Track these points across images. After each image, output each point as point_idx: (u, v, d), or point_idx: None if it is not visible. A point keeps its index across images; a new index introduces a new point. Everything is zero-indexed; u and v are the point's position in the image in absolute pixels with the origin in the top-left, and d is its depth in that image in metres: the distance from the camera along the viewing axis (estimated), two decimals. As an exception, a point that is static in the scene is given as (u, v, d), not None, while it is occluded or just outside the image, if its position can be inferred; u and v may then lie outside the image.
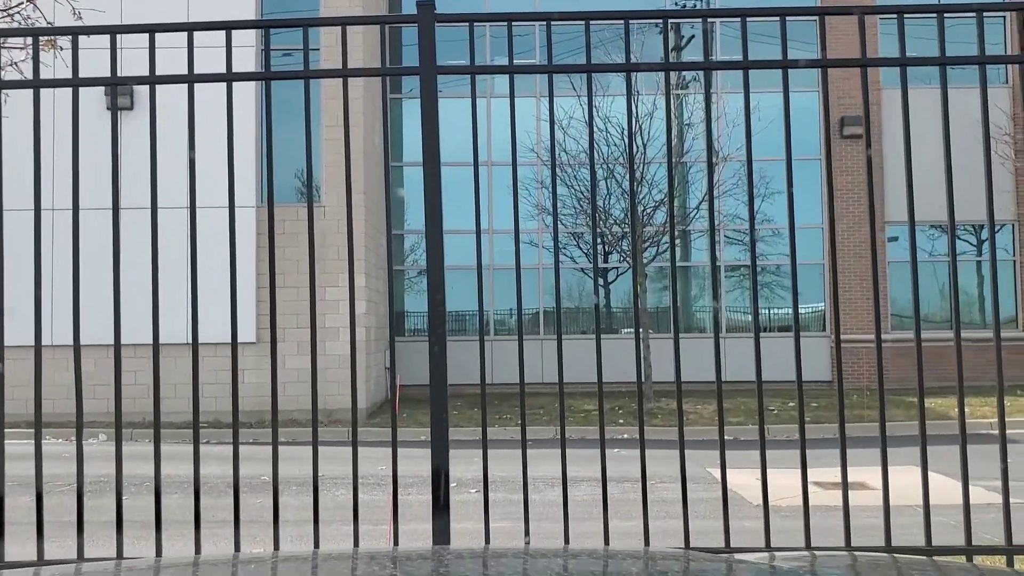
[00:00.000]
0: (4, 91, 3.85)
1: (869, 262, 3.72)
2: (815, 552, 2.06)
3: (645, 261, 17.18)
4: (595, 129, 16.19)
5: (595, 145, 16.76)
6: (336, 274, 15.43)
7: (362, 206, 16.28)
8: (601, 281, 20.92)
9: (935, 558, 2.34)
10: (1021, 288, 19.85)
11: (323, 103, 14.94)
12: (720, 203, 19.10)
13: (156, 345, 3.54)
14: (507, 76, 3.67)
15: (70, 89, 3.59)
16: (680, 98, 19.24)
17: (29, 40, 3.71)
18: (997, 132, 16.18)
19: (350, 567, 1.86)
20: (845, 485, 3.62)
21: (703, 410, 15.34)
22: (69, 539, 3.61)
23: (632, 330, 19.39)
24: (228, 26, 3.48)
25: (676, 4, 20.89)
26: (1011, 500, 3.75)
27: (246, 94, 14.67)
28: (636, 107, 15.81)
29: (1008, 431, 3.80)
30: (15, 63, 5.81)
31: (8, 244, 3.61)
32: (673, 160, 21.50)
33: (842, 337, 18.91)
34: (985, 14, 3.58)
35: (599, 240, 19.16)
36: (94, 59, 4.16)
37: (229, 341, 3.57)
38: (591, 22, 3.57)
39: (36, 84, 3.59)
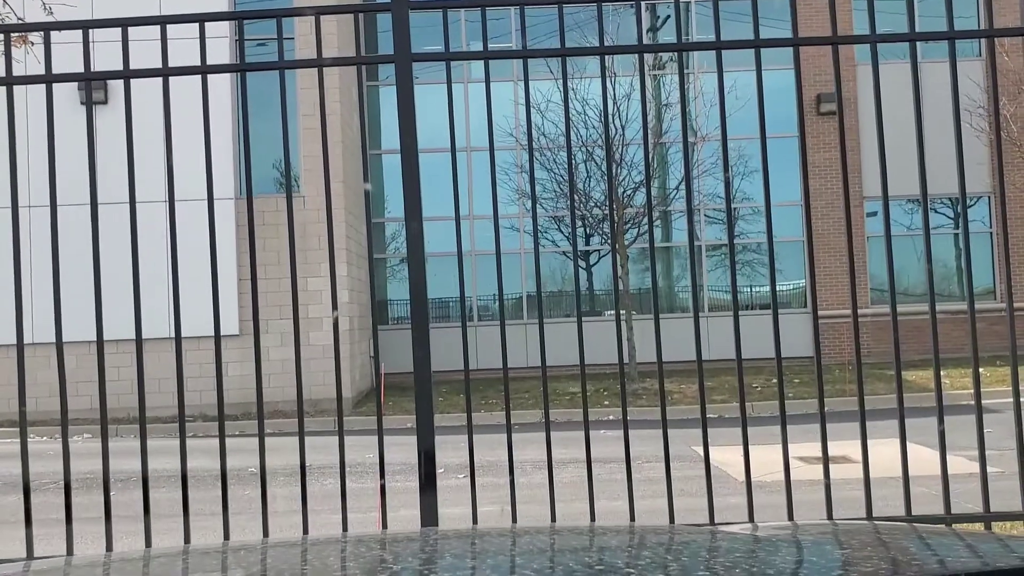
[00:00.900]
0: None
1: (847, 237, 3.76)
2: (797, 524, 2.11)
3: (626, 243, 17.23)
4: (573, 112, 16.23)
5: (574, 127, 16.79)
6: (318, 264, 15.40)
7: (342, 195, 16.23)
8: (583, 264, 20.96)
9: (914, 525, 2.39)
10: (998, 260, 20.03)
11: (299, 93, 14.86)
12: (700, 183, 19.17)
13: (139, 340, 3.54)
14: (483, 61, 3.68)
15: (43, 85, 3.57)
16: (657, 79, 19.26)
17: (0, 37, 3.68)
18: (971, 105, 16.29)
19: (339, 550, 1.88)
20: (826, 459, 3.68)
21: (687, 389, 15.44)
22: (56, 537, 3.62)
23: (614, 311, 19.43)
24: (201, 18, 3.46)
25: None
26: (991, 469, 3.81)
27: (221, 85, 14.56)
28: (613, 89, 15.82)
29: (988, 401, 3.87)
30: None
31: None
32: (651, 141, 21.61)
33: (823, 312, 19.10)
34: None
35: (580, 223, 19.20)
36: (66, 52, 4.14)
37: (211, 334, 3.57)
38: (564, 5, 3.58)
39: (9, 82, 3.56)
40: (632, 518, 3.69)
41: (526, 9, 3.60)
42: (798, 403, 12.13)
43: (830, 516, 3.59)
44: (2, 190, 3.70)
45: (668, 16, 20.91)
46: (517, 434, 3.83)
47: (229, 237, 15.21)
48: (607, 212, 17.57)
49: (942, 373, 3.79)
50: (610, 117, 16.80)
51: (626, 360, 16.76)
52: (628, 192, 17.05)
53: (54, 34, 3.57)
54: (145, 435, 3.59)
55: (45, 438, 12.15)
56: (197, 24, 3.54)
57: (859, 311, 3.77)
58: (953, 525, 3.60)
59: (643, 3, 3.96)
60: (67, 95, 14.28)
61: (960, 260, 20.13)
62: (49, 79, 3.51)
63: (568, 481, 6.92)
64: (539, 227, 20.88)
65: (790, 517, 3.60)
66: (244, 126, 3.61)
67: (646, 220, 17.35)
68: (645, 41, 4.06)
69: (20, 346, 3.51)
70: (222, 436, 3.56)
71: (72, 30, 3.49)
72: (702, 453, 3.81)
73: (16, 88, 3.58)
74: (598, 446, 4.90)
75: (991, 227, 20.23)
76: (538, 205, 18.16)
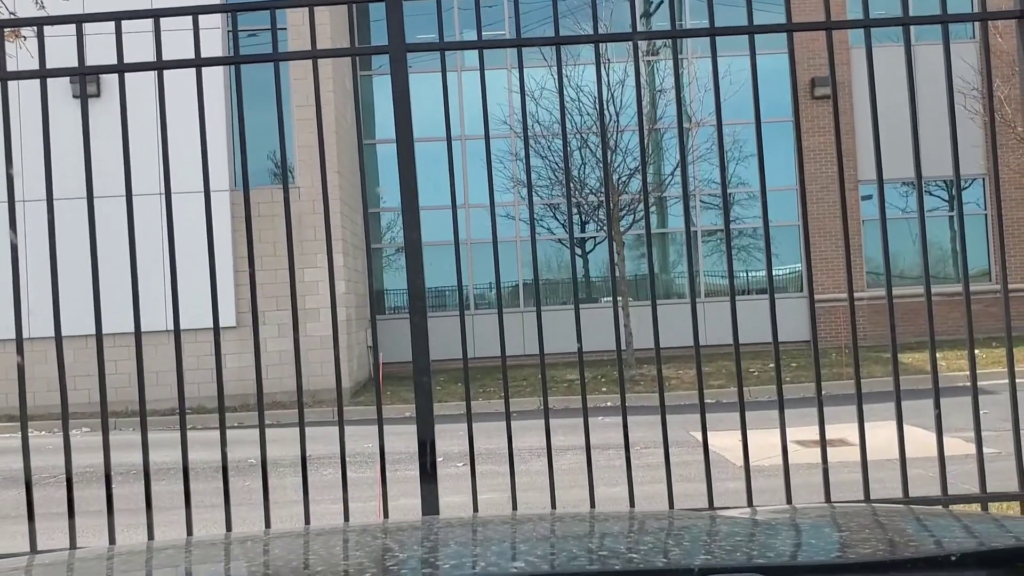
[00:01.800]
0: None
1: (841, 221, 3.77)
2: (795, 507, 2.12)
3: (622, 229, 17.23)
4: (567, 99, 16.18)
5: (568, 115, 16.74)
6: (314, 255, 15.39)
7: (337, 185, 16.20)
8: (579, 251, 20.96)
9: (912, 506, 2.41)
10: (993, 241, 20.06)
11: (292, 83, 14.81)
12: (695, 168, 19.16)
13: (138, 333, 3.55)
14: (476, 49, 3.67)
15: (35, 79, 3.57)
16: (651, 64, 19.22)
17: (-8, 31, 3.66)
18: (966, 87, 16.27)
19: (342, 540, 1.89)
20: (823, 443, 3.70)
21: (684, 375, 15.48)
22: (58, 531, 3.63)
23: (611, 298, 19.43)
24: (195, 11, 3.45)
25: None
26: (987, 450, 3.83)
27: (214, 77, 14.50)
28: (607, 75, 15.79)
29: (984, 382, 3.89)
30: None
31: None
32: (646, 127, 21.59)
33: (820, 296, 19.13)
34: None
35: (575, 210, 19.18)
36: (59, 46, 4.12)
37: (208, 327, 3.58)
38: (558, -7, 3.57)
39: (3, 77, 3.55)
40: (632, 504, 3.71)
41: (519, -3, 3.59)
42: (795, 387, 12.17)
43: (828, 499, 3.61)
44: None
45: (661, 1, 20.85)
46: (515, 422, 3.85)
47: (225, 229, 15.20)
48: (602, 199, 17.57)
49: (938, 355, 3.81)
50: (604, 104, 16.83)
51: (623, 347, 16.78)
52: (623, 179, 17.04)
53: (46, 27, 3.56)
54: (146, 428, 3.60)
55: (43, 432, 12.16)
56: (189, 16, 3.52)
57: (855, 294, 3.77)
58: (950, 506, 3.63)
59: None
60: (59, 88, 14.23)
61: (955, 242, 20.16)
62: (43, 74, 3.50)
63: (567, 468, 6.95)
64: (535, 215, 20.74)
65: (788, 501, 3.62)
66: (240, 118, 3.60)
67: (641, 207, 17.37)
68: (639, 27, 4.07)
69: (19, 341, 3.52)
70: (223, 428, 3.57)
71: (66, 24, 3.48)
72: (699, 438, 3.83)
73: (8, 82, 3.57)
74: (596, 433, 4.92)
75: (986, 209, 20.26)
76: (535, 192, 18.18)
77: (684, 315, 14.37)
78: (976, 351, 4.21)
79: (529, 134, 20.48)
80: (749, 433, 3.81)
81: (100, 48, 3.88)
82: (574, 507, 5.77)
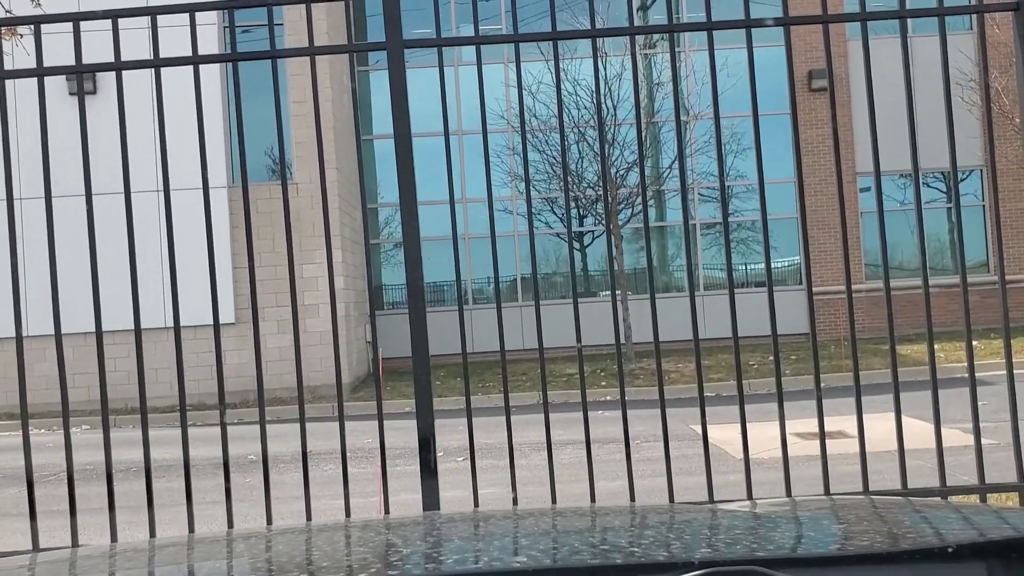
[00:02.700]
0: None
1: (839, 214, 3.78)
2: (795, 500, 2.13)
3: (620, 223, 17.24)
4: (564, 93, 16.15)
5: (565, 109, 16.73)
6: (312, 251, 15.39)
7: (335, 181, 16.20)
8: (577, 245, 20.97)
9: (910, 498, 2.42)
10: (991, 233, 20.08)
11: (288, 79, 14.80)
12: (692, 161, 19.16)
13: (138, 329, 3.55)
14: (474, 45, 3.68)
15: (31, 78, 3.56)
16: (648, 58, 19.21)
17: (-11, 30, 3.67)
18: (963, 78, 16.27)
19: (345, 536, 1.90)
20: (823, 435, 3.71)
21: (683, 368, 15.50)
22: (59, 528, 3.64)
23: (609, 292, 19.45)
24: (192, 8, 3.45)
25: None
26: (986, 441, 3.85)
27: (210, 73, 14.50)
28: (604, 69, 15.78)
29: (981, 374, 3.90)
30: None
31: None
32: (643, 121, 21.44)
33: (818, 289, 19.14)
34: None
35: (573, 204, 19.18)
36: (54, 43, 4.12)
37: (207, 323, 3.59)
38: (555, -12, 3.57)
39: (1, 76, 3.55)
40: (632, 498, 3.72)
41: (516, -9, 3.59)
42: (794, 379, 12.20)
43: (827, 491, 3.62)
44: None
45: (657, -5, 20.83)
46: (514, 416, 3.85)
47: (222, 225, 15.20)
48: (600, 193, 17.57)
49: (936, 347, 3.82)
50: (602, 98, 16.77)
51: (622, 340, 16.79)
52: (621, 172, 17.05)
53: (43, 25, 3.55)
54: (147, 425, 3.61)
55: (42, 430, 12.16)
56: (185, 13, 3.52)
57: (854, 287, 3.78)
58: (949, 498, 3.64)
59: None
60: (54, 85, 14.22)
61: (953, 234, 20.19)
62: (41, 72, 3.50)
63: (566, 462, 6.96)
64: (533, 209, 20.71)
65: (788, 493, 3.63)
66: (238, 115, 3.60)
67: (639, 200, 17.37)
68: (635, 19, 4.04)
69: (19, 338, 3.52)
70: (223, 424, 3.58)
71: (63, 23, 3.48)
72: (699, 432, 3.84)
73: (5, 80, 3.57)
74: (595, 427, 4.93)
75: (983, 200, 20.27)
76: (532, 187, 18.09)
77: (682, 308, 14.34)
78: (974, 342, 4.21)
79: (526, 129, 20.46)
80: (748, 426, 3.82)
81: (95, 45, 3.87)
82: (574, 500, 5.79)
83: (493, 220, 3.75)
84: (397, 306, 20.32)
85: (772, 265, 3.78)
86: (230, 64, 3.70)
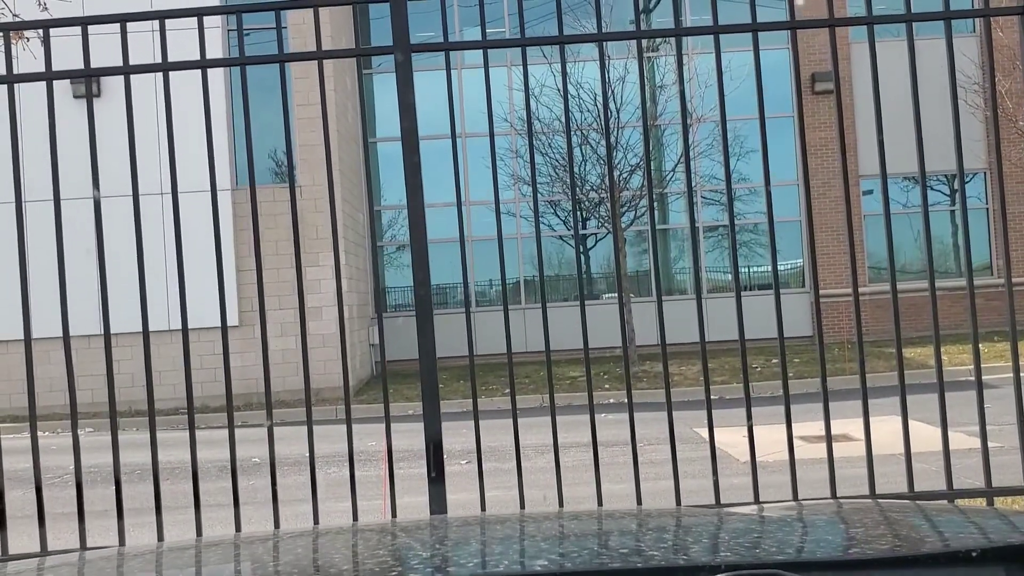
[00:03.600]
0: None
1: (844, 217, 3.79)
2: (802, 503, 2.14)
3: (623, 226, 17.24)
4: (568, 97, 16.18)
5: (569, 112, 16.75)
6: (316, 254, 15.41)
7: (338, 183, 16.22)
8: (580, 248, 20.98)
9: (918, 502, 2.42)
10: (995, 235, 20.07)
11: (294, 83, 14.82)
12: (696, 164, 19.15)
13: (146, 331, 3.55)
14: (480, 49, 3.69)
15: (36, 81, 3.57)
16: (651, 61, 19.21)
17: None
18: (967, 81, 16.26)
19: (351, 541, 1.90)
20: (829, 438, 3.71)
21: (687, 371, 15.49)
22: (65, 531, 3.64)
23: (612, 295, 19.49)
24: (200, 12, 3.46)
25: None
26: (991, 444, 3.84)
27: (214, 76, 14.52)
28: (608, 73, 15.80)
29: (987, 377, 3.90)
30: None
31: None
32: (648, 124, 21.25)
33: (821, 291, 19.09)
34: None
35: (576, 207, 19.18)
36: (58, 46, 4.14)
37: (210, 326, 3.60)
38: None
39: (10, 80, 3.57)
40: (639, 501, 3.72)
41: (521, -4, 3.60)
42: (798, 382, 12.18)
43: (834, 495, 3.62)
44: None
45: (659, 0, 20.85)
46: (519, 419, 3.85)
47: (226, 228, 15.22)
48: (603, 196, 17.57)
49: (940, 349, 3.82)
50: (607, 103, 16.78)
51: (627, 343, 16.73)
52: (624, 175, 17.05)
53: (51, 29, 3.57)
54: (155, 429, 3.61)
55: (47, 433, 12.18)
56: (189, 17, 3.53)
57: (858, 288, 3.80)
58: (956, 501, 3.64)
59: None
60: (60, 88, 14.23)
61: (956, 236, 20.17)
62: (49, 76, 3.52)
63: (570, 465, 6.96)
64: (539, 213, 20.76)
65: (795, 497, 3.63)
66: (245, 119, 3.61)
67: (642, 203, 17.36)
68: (641, 25, 4.06)
69: (28, 341, 3.53)
70: (231, 428, 3.59)
71: (71, 27, 3.49)
72: (703, 435, 3.85)
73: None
74: (600, 429, 4.91)
75: (987, 203, 20.25)
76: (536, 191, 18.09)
77: (683, 311, 14.33)
78: (979, 345, 4.20)
79: (527, 131, 20.27)
80: (754, 428, 3.82)
81: (102, 48, 3.88)
82: (579, 503, 5.78)
83: (500, 224, 3.76)
84: (400, 308, 20.33)
85: (777, 268, 3.78)
86: (233, 68, 3.71)
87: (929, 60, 4.52)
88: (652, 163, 19.37)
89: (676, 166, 19.08)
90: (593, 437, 3.77)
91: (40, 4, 5.16)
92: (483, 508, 3.64)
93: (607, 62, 16.07)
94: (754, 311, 9.34)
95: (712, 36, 3.63)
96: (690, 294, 19.27)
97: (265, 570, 1.77)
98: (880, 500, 2.39)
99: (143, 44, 3.57)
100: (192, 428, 3.60)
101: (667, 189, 19.45)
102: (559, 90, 3.85)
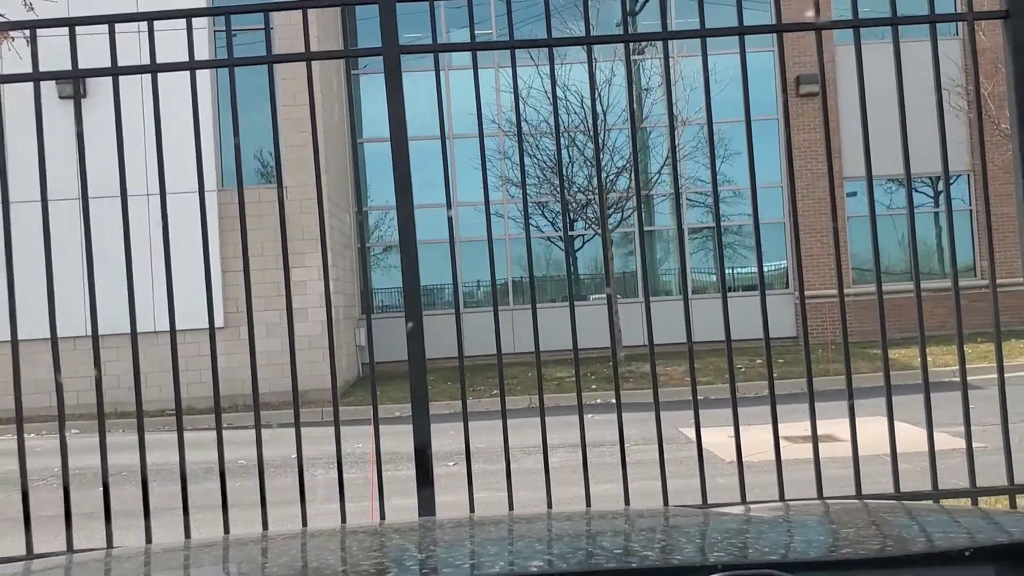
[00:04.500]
0: None
1: (829, 218, 3.82)
2: (788, 504, 2.15)
3: (610, 227, 17.28)
4: (557, 100, 16.20)
5: (558, 115, 16.78)
6: (301, 255, 15.36)
7: (325, 184, 16.15)
8: (568, 249, 21.00)
9: (904, 502, 2.44)
10: (978, 237, 20.22)
11: (279, 83, 14.79)
12: (681, 166, 19.22)
13: (134, 333, 3.54)
14: (469, 51, 3.70)
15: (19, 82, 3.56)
16: (637, 64, 19.26)
17: (-18, 34, 3.67)
18: (950, 84, 16.37)
19: (340, 542, 1.90)
20: (815, 438, 3.74)
21: (673, 372, 15.54)
22: (51, 533, 3.62)
23: (600, 295, 19.53)
24: (188, 14, 3.46)
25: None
26: (975, 444, 3.87)
27: (201, 77, 14.46)
28: (595, 75, 15.85)
29: (971, 377, 3.93)
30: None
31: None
32: (638, 126, 21.34)
33: (806, 293, 19.18)
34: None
35: (566, 209, 19.22)
36: (44, 46, 4.12)
37: (193, 327, 3.59)
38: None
39: (-2, 79, 3.55)
40: (627, 500, 3.74)
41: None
42: (782, 383, 12.22)
43: (820, 495, 3.65)
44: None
45: (645, 2, 20.91)
46: (508, 420, 3.86)
47: (212, 229, 15.14)
48: (590, 197, 17.61)
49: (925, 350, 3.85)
50: (591, 103, 16.82)
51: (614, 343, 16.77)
52: (611, 177, 17.09)
53: (38, 30, 3.55)
54: (143, 432, 3.60)
55: (32, 435, 12.10)
56: (177, 19, 3.52)
57: (843, 290, 3.85)
58: (941, 501, 3.67)
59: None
60: (45, 88, 14.14)
61: (940, 238, 20.31)
62: (37, 77, 3.50)
63: (557, 466, 6.97)
64: (528, 214, 20.76)
65: (781, 497, 3.66)
66: (234, 121, 3.60)
67: (629, 205, 17.39)
68: (629, 28, 4.09)
69: (15, 343, 3.51)
70: (219, 430, 3.58)
71: (58, 27, 3.48)
72: (689, 435, 3.86)
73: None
74: (587, 430, 4.91)
75: (971, 205, 20.40)
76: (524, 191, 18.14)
77: (668, 312, 14.35)
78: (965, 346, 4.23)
79: (516, 133, 20.22)
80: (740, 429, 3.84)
81: (88, 49, 3.86)
82: (567, 504, 5.79)
83: (490, 225, 3.77)
84: (386, 309, 20.30)
85: (763, 269, 3.81)
86: (221, 69, 3.70)
87: (913, 62, 4.56)
88: (639, 165, 19.30)
89: (662, 168, 19.13)
90: (582, 439, 3.78)
91: (26, 4, 5.14)
92: (472, 510, 3.65)
93: (595, 65, 16.16)
94: (739, 312, 9.38)
95: (699, 39, 3.65)
96: (676, 295, 19.33)
97: (253, 572, 1.77)
98: (867, 500, 2.41)
99: (129, 45, 3.55)
100: (180, 430, 3.59)
101: (653, 191, 19.50)
102: (547, 92, 3.87)
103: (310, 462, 9.22)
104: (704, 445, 7.48)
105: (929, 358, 3.63)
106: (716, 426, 7.47)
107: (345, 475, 9.01)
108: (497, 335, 3.71)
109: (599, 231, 16.92)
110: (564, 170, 17.48)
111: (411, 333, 3.46)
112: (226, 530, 3.51)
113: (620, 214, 17.64)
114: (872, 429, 3.95)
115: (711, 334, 9.59)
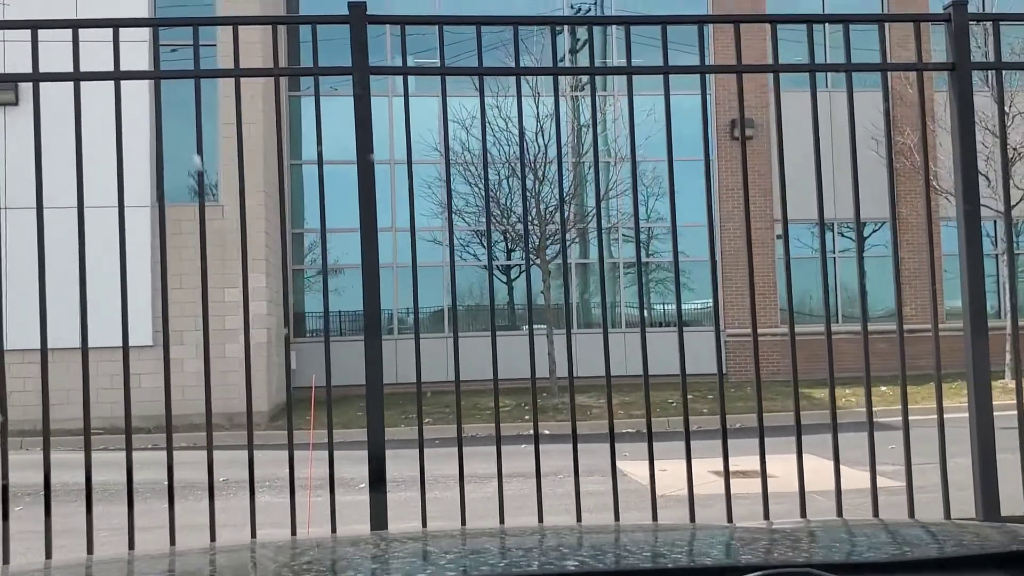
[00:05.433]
0: None
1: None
2: (773, 523, 2.18)
3: (548, 258, 17.41)
4: (500, 128, 16.31)
5: (499, 144, 16.82)
6: (238, 275, 15.11)
7: (262, 205, 16.00)
8: (503, 278, 21.08)
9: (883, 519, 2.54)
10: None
11: (220, 101, 14.63)
12: (618, 202, 19.51)
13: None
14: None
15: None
16: (577, 100, 19.54)
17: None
18: (877, 133, 16.95)
19: (290, 554, 1.87)
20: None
21: (605, 404, 15.65)
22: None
23: (538, 326, 19.60)
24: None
25: (572, 8, 21.20)
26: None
27: (139, 90, 14.23)
28: (536, 107, 16.04)
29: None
30: None
31: None
32: (571, 161, 21.76)
33: (734, 331, 19.51)
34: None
35: (501, 237, 19.31)
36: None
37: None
38: (484, 27, 3.68)
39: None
40: (578, 517, 3.78)
41: (481, 30, 3.69)
42: (711, 418, 12.41)
43: (765, 518, 3.71)
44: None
45: (587, 40, 21.27)
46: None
47: (144, 245, 14.88)
48: (530, 226, 17.74)
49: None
50: (534, 135, 17.07)
51: (545, 375, 16.87)
52: (550, 209, 17.25)
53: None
54: (90, 448, 3.55)
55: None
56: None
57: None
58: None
59: (562, 26, 4.07)
60: (-26, 96, 13.81)
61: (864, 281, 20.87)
62: (-40, 82, 3.44)
63: (490, 495, 6.96)
64: (462, 240, 20.98)
65: (729, 520, 3.73)
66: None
67: (566, 237, 17.54)
68: (566, 62, 4.17)
69: (0, 356, 3.43)
70: (169, 449, 3.54)
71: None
72: (622, 468, 3.90)
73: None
74: (516, 460, 4.94)
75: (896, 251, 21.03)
76: (461, 218, 18.30)
77: (600, 344, 14.39)
78: (884, 388, 4.37)
79: (459, 161, 20.42)
80: (667, 463, 3.91)
81: (21, 56, 3.80)
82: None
83: (452, 251, 3.79)
84: (318, 334, 20.09)
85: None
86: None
87: (840, 111, 4.73)
88: (576, 199, 19.39)
89: (598, 203, 19.35)
90: (536, 468, 3.82)
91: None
92: (424, 524, 3.64)
93: (536, 97, 16.37)
94: (669, 347, 9.52)
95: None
96: (611, 328, 19.50)
97: None
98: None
99: (67, 58, 3.47)
100: (129, 448, 3.54)
101: (589, 224, 19.74)
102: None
103: (243, 484, 9.04)
104: (634, 478, 7.54)
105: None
106: (645, 459, 7.52)
107: (273, 499, 8.84)
108: (456, 361, 3.75)
109: (536, 261, 17.01)
110: (506, 199, 17.60)
111: (369, 347, 3.48)
112: (172, 542, 3.48)
113: (558, 246, 17.80)
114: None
115: (645, 368, 9.68)
